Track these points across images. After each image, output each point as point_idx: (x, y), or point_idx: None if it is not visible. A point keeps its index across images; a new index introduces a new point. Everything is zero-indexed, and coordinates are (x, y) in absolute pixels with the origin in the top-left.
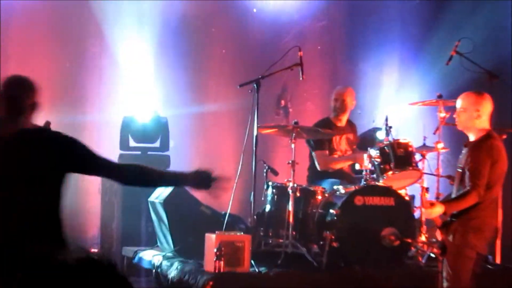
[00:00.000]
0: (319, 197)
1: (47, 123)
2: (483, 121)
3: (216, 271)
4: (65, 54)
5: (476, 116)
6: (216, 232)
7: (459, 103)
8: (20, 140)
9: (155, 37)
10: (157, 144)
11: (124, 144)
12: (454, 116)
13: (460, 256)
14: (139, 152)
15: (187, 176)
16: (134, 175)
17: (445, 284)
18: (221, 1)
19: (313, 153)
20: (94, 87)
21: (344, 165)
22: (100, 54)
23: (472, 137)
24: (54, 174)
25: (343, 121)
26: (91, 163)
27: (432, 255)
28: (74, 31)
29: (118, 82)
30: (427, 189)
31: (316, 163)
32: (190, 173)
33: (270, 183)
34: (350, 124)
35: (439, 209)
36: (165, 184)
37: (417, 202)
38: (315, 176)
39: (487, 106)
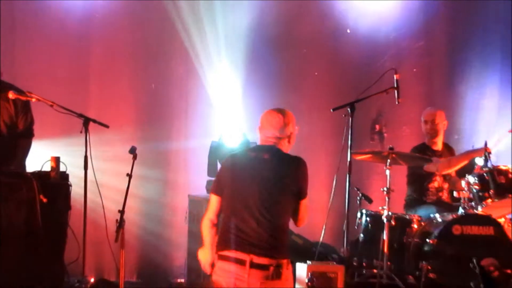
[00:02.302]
0: (415, 226)
1: (133, 149)
2: None
3: None
4: (150, 75)
5: None
6: (308, 262)
7: None
8: None
9: (243, 57)
10: None
11: (212, 170)
12: None
13: None
14: None
15: None
16: None
17: None
18: (313, 22)
19: (425, 166)
20: (180, 110)
21: (463, 163)
22: (186, 75)
23: None
24: None
25: (438, 144)
26: None
27: None
28: (159, 51)
29: (204, 104)
30: None
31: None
32: None
33: (364, 211)
34: (448, 148)
35: None
36: None
37: None
38: (412, 203)
39: None
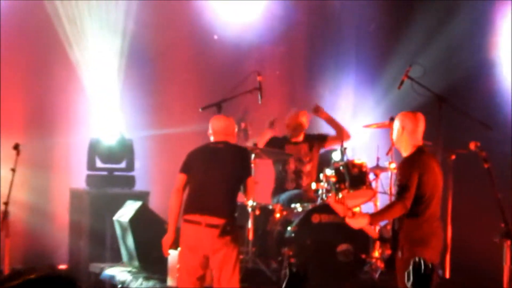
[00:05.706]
0: (278, 215)
1: (17, 145)
2: (412, 138)
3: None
4: (36, 79)
5: (401, 133)
6: (179, 248)
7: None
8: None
9: (121, 61)
10: (123, 165)
11: (91, 165)
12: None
13: None
14: (106, 173)
15: None
16: None
17: None
18: (182, 29)
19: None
20: (62, 110)
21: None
22: (67, 78)
23: (404, 154)
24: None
25: (299, 137)
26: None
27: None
28: (45, 59)
29: (84, 105)
30: None
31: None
32: None
33: None
34: (308, 138)
35: (363, 220)
36: None
37: None
38: (277, 191)
39: (412, 123)
